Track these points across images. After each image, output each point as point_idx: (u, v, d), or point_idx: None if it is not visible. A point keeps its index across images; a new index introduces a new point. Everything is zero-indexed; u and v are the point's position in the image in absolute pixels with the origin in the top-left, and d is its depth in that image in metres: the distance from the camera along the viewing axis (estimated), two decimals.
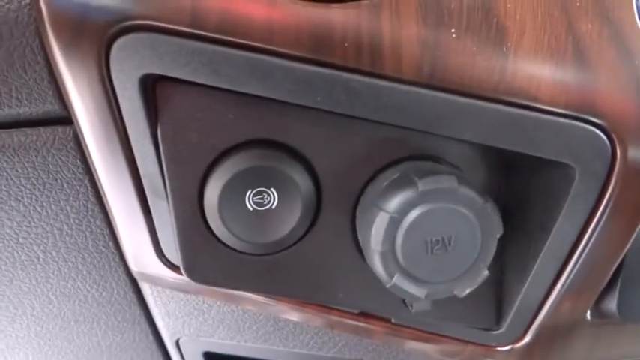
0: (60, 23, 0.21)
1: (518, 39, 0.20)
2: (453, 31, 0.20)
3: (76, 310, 0.39)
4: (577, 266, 0.23)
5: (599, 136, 0.20)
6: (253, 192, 0.23)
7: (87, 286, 0.36)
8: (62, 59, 0.22)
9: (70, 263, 0.34)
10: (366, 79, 0.20)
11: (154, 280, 0.31)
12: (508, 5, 0.20)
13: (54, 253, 0.32)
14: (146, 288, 0.36)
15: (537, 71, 0.20)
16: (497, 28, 0.20)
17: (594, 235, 0.22)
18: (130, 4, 0.19)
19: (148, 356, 0.44)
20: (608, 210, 0.21)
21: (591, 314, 0.27)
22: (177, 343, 0.41)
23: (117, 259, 0.33)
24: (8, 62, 0.24)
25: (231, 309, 0.34)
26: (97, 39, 0.20)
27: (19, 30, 0.23)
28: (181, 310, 0.36)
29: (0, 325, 0.41)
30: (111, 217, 0.28)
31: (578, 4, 0.20)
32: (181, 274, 0.26)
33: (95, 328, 0.41)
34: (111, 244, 0.32)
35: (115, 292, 0.36)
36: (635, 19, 0.20)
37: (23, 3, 0.22)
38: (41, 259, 0.33)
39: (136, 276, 0.32)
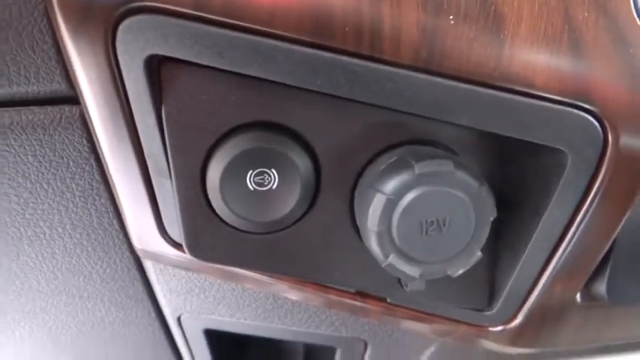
0: (67, 4, 0.21)
1: (515, 26, 0.20)
2: (451, 17, 0.20)
3: (81, 286, 0.40)
4: (568, 250, 0.24)
5: (592, 123, 0.21)
6: (254, 172, 0.24)
7: (91, 262, 0.37)
8: (70, 40, 0.22)
9: (75, 240, 0.35)
10: (366, 63, 0.21)
11: (157, 258, 0.32)
12: None
13: (60, 230, 0.33)
14: (149, 265, 0.36)
15: (533, 58, 0.20)
16: (494, 16, 0.20)
17: (585, 219, 0.23)
18: None
19: (150, 333, 0.45)
20: (598, 195, 0.22)
21: (581, 297, 0.27)
22: (178, 319, 0.42)
23: (121, 236, 0.34)
24: (17, 41, 0.24)
25: (231, 287, 0.35)
26: (104, 20, 0.21)
27: (27, 10, 0.23)
28: (183, 288, 0.37)
29: (6, 299, 0.42)
30: (115, 195, 0.29)
31: None
32: (184, 251, 0.27)
33: (99, 304, 0.42)
34: (115, 221, 0.33)
35: (119, 269, 0.37)
36: (630, 9, 0.20)
37: None
38: (47, 235, 0.34)
39: (139, 253, 0.33)
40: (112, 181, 0.28)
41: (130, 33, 0.21)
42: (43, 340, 0.48)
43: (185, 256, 0.29)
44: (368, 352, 0.38)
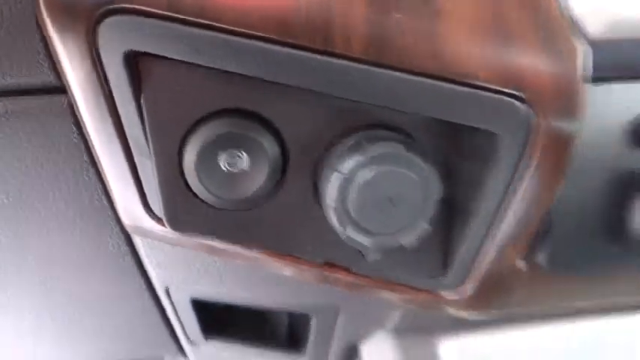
0: (53, 5, 0.24)
1: (454, 22, 0.23)
2: (396, 14, 0.23)
3: (75, 261, 0.43)
4: (506, 221, 0.27)
5: (522, 108, 0.23)
6: (226, 155, 0.27)
7: (85, 239, 0.39)
8: (56, 37, 0.25)
9: (68, 218, 0.38)
10: (321, 58, 0.23)
11: (145, 233, 0.35)
12: None
13: (54, 209, 0.36)
14: (138, 241, 0.39)
15: (470, 51, 0.23)
16: (435, 12, 0.23)
17: (518, 193, 0.26)
18: None
19: (141, 304, 0.49)
20: (529, 171, 0.25)
21: (526, 266, 0.30)
22: (167, 291, 0.45)
23: (110, 213, 0.36)
24: (9, 38, 0.27)
25: (213, 260, 0.38)
26: (86, 20, 0.23)
27: (18, 10, 0.26)
28: (169, 261, 0.40)
29: (7, 274, 0.45)
30: (103, 175, 0.31)
31: None
32: (165, 226, 0.29)
33: (92, 278, 0.45)
34: (104, 200, 0.35)
35: (110, 244, 0.40)
36: (556, 8, 0.23)
37: None
38: (42, 215, 0.36)
39: (128, 229, 0.36)
40: (100, 163, 0.31)
41: (109, 32, 0.23)
42: (41, 313, 0.51)
43: (168, 231, 0.32)
44: (340, 318, 0.42)
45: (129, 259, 0.42)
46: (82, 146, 0.32)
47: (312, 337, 0.46)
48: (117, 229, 0.39)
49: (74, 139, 0.31)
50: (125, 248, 0.41)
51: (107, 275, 0.44)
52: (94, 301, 0.49)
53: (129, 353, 0.61)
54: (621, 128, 0.27)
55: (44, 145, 0.32)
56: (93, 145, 0.30)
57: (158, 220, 0.31)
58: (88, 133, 0.30)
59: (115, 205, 0.35)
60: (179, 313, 0.48)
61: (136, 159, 0.29)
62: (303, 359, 0.50)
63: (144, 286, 0.46)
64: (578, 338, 0.39)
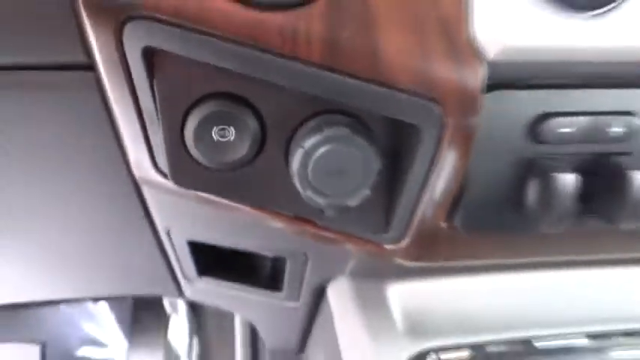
0: (91, 5, 0.31)
1: (390, 42, 0.30)
2: (345, 32, 0.30)
3: (92, 205, 0.51)
4: (429, 190, 0.35)
5: (435, 108, 0.31)
6: (218, 128, 0.35)
7: (100, 186, 0.48)
8: (90, 29, 0.32)
9: (89, 170, 0.46)
10: (289, 62, 0.31)
11: (151, 184, 0.43)
12: (384, 13, 0.30)
13: (77, 164, 0.44)
14: (145, 190, 0.48)
15: (401, 65, 0.31)
16: (375, 31, 0.30)
17: (437, 169, 0.34)
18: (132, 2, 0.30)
19: (145, 244, 0.57)
20: (443, 153, 0.33)
21: (447, 226, 0.39)
22: (167, 233, 0.53)
23: (124, 167, 0.45)
24: (52, 27, 0.34)
25: (205, 210, 0.46)
26: (115, 21, 0.31)
27: (59, 5, 0.33)
28: (170, 209, 0.49)
29: (31, 212, 0.53)
30: (120, 138, 0.40)
31: (431, 27, 0.30)
32: (169, 180, 0.38)
33: (105, 221, 0.54)
34: (120, 157, 0.44)
35: (121, 192, 0.49)
36: (466, 37, 0.30)
37: None
38: (66, 164, 0.45)
39: (138, 180, 0.44)
40: (119, 127, 0.39)
41: (131, 32, 0.31)
42: (55, 251, 0.60)
43: (171, 184, 0.40)
44: (309, 263, 0.51)
45: (137, 205, 0.51)
46: (105, 113, 0.40)
47: (286, 277, 0.55)
48: (128, 179, 0.47)
49: (98, 107, 0.39)
50: (134, 195, 0.49)
51: (118, 218, 0.53)
52: (104, 240, 0.57)
53: (132, 289, 0.71)
54: (522, 126, 0.35)
55: (74, 111, 0.40)
56: (114, 114, 0.38)
57: (163, 175, 0.40)
58: (110, 103, 0.38)
59: (128, 160, 0.43)
60: (177, 253, 0.57)
61: (148, 126, 0.37)
62: (280, 295, 0.59)
63: (148, 229, 0.54)
64: (501, 285, 0.48)
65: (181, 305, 1.25)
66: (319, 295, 0.57)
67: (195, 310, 1.25)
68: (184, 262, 0.59)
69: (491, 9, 0.30)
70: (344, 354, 0.47)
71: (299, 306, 0.61)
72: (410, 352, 0.43)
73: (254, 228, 0.47)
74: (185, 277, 0.63)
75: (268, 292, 0.60)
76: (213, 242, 0.52)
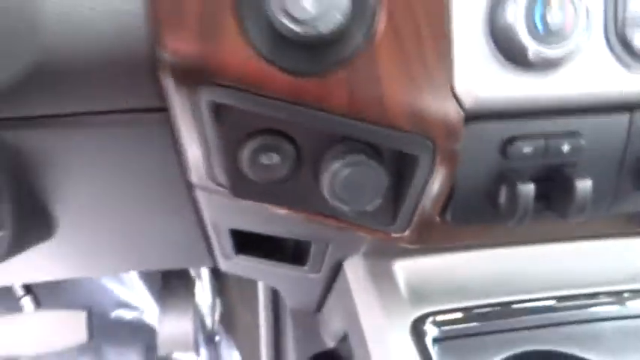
0: (175, 71, 0.41)
1: (393, 98, 0.41)
2: (360, 90, 0.41)
3: (151, 205, 0.63)
4: (427, 194, 0.46)
5: (428, 141, 0.42)
6: (265, 155, 0.46)
7: (162, 191, 0.59)
8: (171, 89, 0.43)
9: (150, 177, 0.58)
10: (318, 112, 0.42)
11: (207, 190, 0.55)
12: (387, 74, 0.41)
13: (149, 173, 0.56)
14: (199, 194, 0.59)
15: (402, 112, 0.41)
16: (381, 88, 0.41)
17: (433, 180, 0.45)
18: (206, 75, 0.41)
19: (193, 230, 0.69)
20: (435, 171, 0.44)
21: (439, 220, 0.51)
22: (214, 223, 0.65)
23: (182, 179, 0.56)
24: (136, 82, 0.45)
25: (248, 208, 0.58)
26: (193, 84, 0.41)
27: (144, 64, 0.43)
28: (219, 207, 0.60)
29: (95, 213, 0.64)
30: (185, 160, 0.51)
31: (423, 83, 0.41)
32: (225, 189, 0.49)
33: (158, 217, 0.66)
34: (178, 170, 0.55)
35: (177, 195, 0.60)
36: (449, 87, 0.41)
37: (146, 50, 0.43)
38: (144, 174, 0.56)
39: (194, 186, 0.56)
40: (185, 153, 0.50)
41: (203, 92, 0.42)
42: (116, 234, 0.72)
43: (223, 191, 0.52)
44: (330, 245, 0.63)
45: (188, 203, 0.62)
46: (171, 141, 0.51)
47: (311, 256, 0.67)
48: (183, 186, 0.58)
49: (169, 139, 0.50)
50: (187, 197, 0.61)
51: (173, 214, 0.64)
52: (159, 230, 0.69)
53: (176, 264, 0.83)
54: (494, 147, 0.46)
55: (152, 138, 0.51)
56: (181, 142, 0.49)
57: (218, 184, 0.51)
58: (178, 135, 0.49)
59: (185, 171, 0.55)
60: (220, 237, 0.69)
61: (211, 151, 0.48)
62: (304, 269, 0.72)
63: (195, 219, 0.66)
64: (493, 261, 0.60)
65: (204, 271, 1.39)
66: (337, 269, 0.70)
67: (217, 274, 1.39)
68: (225, 244, 0.71)
69: (467, 69, 0.40)
70: (361, 318, 0.60)
71: (319, 277, 0.74)
72: (413, 316, 0.55)
73: (287, 220, 0.59)
74: (223, 255, 0.75)
75: (294, 267, 0.72)
76: (251, 230, 0.64)
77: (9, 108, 0.44)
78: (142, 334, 1.37)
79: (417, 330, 0.53)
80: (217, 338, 1.41)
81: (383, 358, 0.54)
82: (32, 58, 0.41)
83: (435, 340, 0.52)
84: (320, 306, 0.88)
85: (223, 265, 0.81)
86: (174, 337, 1.22)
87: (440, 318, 0.55)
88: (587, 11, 0.38)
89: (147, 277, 1.37)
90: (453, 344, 0.53)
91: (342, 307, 0.71)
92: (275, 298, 1.10)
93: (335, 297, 0.76)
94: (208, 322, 1.40)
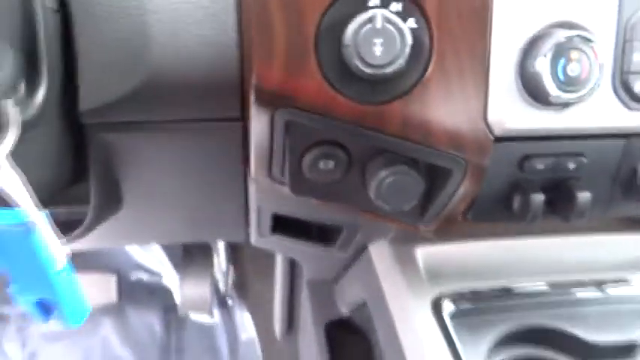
0: (260, 102, 0.50)
1: (438, 123, 0.50)
2: (412, 119, 0.50)
3: (206, 188, 0.72)
4: (454, 201, 0.56)
5: (462, 158, 0.52)
6: (322, 161, 0.55)
7: (222, 178, 0.69)
8: (254, 110, 0.52)
9: (214, 166, 0.67)
10: (374, 133, 0.51)
11: (261, 182, 0.64)
12: (434, 110, 0.50)
13: (221, 167, 0.65)
14: (251, 183, 0.69)
15: (443, 136, 0.51)
16: (429, 118, 0.50)
17: (458, 190, 0.55)
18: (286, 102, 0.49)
19: (236, 210, 0.79)
20: (466, 180, 0.54)
21: (461, 218, 0.61)
22: (259, 207, 0.75)
23: (241, 169, 0.65)
24: (226, 97, 0.54)
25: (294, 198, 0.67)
26: (272, 107, 0.50)
27: (232, 83, 0.52)
28: (268, 196, 0.70)
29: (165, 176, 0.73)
30: (248, 152, 0.60)
31: (462, 116, 0.50)
32: (284, 185, 0.59)
33: (211, 201, 0.75)
34: (240, 164, 0.64)
35: (233, 182, 0.69)
36: (483, 119, 0.51)
37: (236, 73, 0.51)
38: (215, 164, 0.65)
39: (250, 178, 0.65)
40: (251, 154, 0.59)
41: (281, 113, 0.51)
42: (176, 212, 0.81)
43: (277, 185, 0.61)
44: (360, 230, 0.73)
45: (241, 188, 0.72)
46: (242, 144, 0.60)
47: (341, 238, 0.78)
48: (242, 176, 0.68)
49: (241, 141, 0.59)
50: (242, 185, 0.70)
51: (227, 194, 0.74)
52: (208, 207, 0.79)
53: (213, 237, 0.93)
54: (513, 162, 0.55)
55: (227, 139, 0.60)
56: (250, 146, 0.59)
57: (281, 183, 0.61)
58: (250, 139, 0.58)
59: (246, 165, 0.64)
60: (260, 219, 0.79)
61: (276, 157, 0.58)
62: (332, 249, 0.82)
63: (243, 205, 0.76)
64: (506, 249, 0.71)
65: (220, 243, 1.49)
66: (362, 250, 0.80)
67: (232, 246, 1.50)
68: (263, 225, 0.81)
69: (498, 104, 0.50)
70: (385, 291, 0.71)
71: (344, 255, 0.84)
72: (432, 293, 0.66)
73: (327, 209, 0.69)
74: (259, 233, 0.85)
75: (324, 247, 0.82)
76: (292, 215, 0.74)
77: (116, 115, 0.53)
78: (160, 296, 1.48)
79: (436, 306, 0.64)
80: (230, 302, 1.52)
81: (406, 327, 0.65)
82: (142, 77, 0.50)
83: (451, 315, 0.63)
84: (338, 278, 0.99)
85: (255, 241, 0.91)
86: (193, 301, 1.33)
87: (455, 297, 0.65)
88: (600, 66, 0.47)
89: (167, 245, 1.47)
90: (465, 319, 0.64)
91: (364, 281, 0.82)
92: (292, 269, 1.21)
93: (356, 271, 0.87)
94: (222, 287, 1.51)
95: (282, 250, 0.96)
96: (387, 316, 0.69)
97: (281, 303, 1.25)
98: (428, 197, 0.59)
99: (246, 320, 1.49)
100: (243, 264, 1.50)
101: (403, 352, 0.62)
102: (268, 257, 1.34)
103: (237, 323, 1.49)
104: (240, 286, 1.52)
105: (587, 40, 0.47)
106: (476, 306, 0.66)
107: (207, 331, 1.44)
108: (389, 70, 0.46)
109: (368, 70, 0.46)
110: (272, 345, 1.32)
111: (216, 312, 1.49)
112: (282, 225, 0.85)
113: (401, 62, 0.46)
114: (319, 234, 0.88)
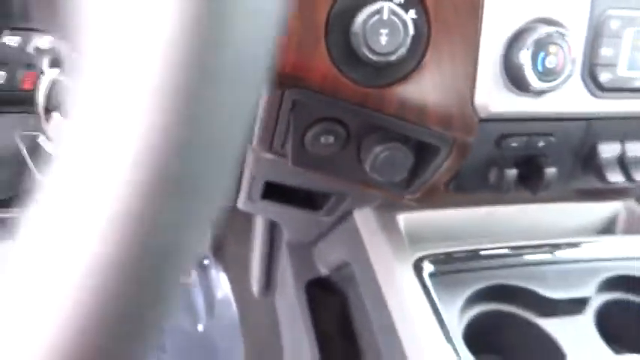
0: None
1: (431, 105, 0.56)
2: (409, 101, 0.56)
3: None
4: (439, 172, 0.63)
5: (449, 135, 0.58)
6: (323, 137, 0.60)
7: None
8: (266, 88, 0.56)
9: None
10: (374, 112, 0.57)
11: (256, 151, 0.69)
12: (428, 94, 0.56)
13: None
14: (249, 154, 0.73)
15: (435, 116, 0.57)
16: (424, 101, 0.56)
17: (447, 162, 0.61)
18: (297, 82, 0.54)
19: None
20: (453, 154, 0.60)
21: (444, 188, 0.68)
22: (253, 175, 0.80)
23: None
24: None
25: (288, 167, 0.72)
26: (283, 87, 0.55)
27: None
28: (264, 167, 0.75)
29: None
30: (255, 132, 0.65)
31: (454, 99, 0.56)
32: (283, 157, 0.64)
33: None
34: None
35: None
36: (471, 102, 0.57)
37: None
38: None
39: (250, 148, 0.70)
40: (256, 126, 0.64)
41: (290, 92, 0.55)
42: None
43: (275, 157, 0.66)
44: (348, 197, 0.79)
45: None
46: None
47: (328, 205, 0.84)
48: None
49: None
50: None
51: None
52: None
53: None
54: (492, 140, 0.62)
55: None
56: (255, 119, 0.63)
57: (283, 155, 0.66)
58: (260, 113, 0.62)
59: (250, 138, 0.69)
60: (252, 186, 0.84)
61: (278, 131, 0.62)
62: (319, 213, 0.88)
63: (237, 171, 0.80)
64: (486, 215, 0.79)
65: None
66: (346, 215, 0.87)
67: None
68: (254, 191, 0.86)
69: (485, 90, 0.56)
70: (369, 253, 0.78)
71: (329, 219, 0.91)
72: (414, 256, 0.74)
73: (320, 179, 0.75)
74: (249, 199, 0.91)
75: (311, 212, 0.88)
76: (285, 183, 0.80)
77: None
78: None
79: (417, 267, 0.72)
80: (206, 262, 1.58)
81: (390, 286, 0.72)
82: None
83: (431, 275, 0.71)
84: (316, 240, 1.05)
85: (243, 205, 0.96)
86: None
87: (434, 259, 0.73)
88: (573, 59, 0.54)
89: None
90: (442, 279, 0.72)
91: (348, 244, 0.89)
92: (272, 230, 1.27)
93: (338, 234, 0.94)
94: None
95: (267, 214, 1.01)
96: (371, 276, 0.76)
97: (260, 263, 1.31)
98: (416, 170, 0.65)
99: (222, 279, 1.55)
100: (219, 226, 1.54)
101: (388, 308, 0.70)
102: (246, 220, 1.40)
103: (213, 282, 1.55)
104: (217, 248, 1.57)
105: (564, 36, 0.54)
106: (452, 267, 0.74)
107: (184, 290, 1.49)
108: (393, 57, 0.51)
109: (374, 57, 0.51)
110: (248, 303, 1.39)
111: (192, 272, 1.54)
112: (271, 191, 0.90)
113: (403, 50, 0.51)
114: (305, 200, 0.94)
